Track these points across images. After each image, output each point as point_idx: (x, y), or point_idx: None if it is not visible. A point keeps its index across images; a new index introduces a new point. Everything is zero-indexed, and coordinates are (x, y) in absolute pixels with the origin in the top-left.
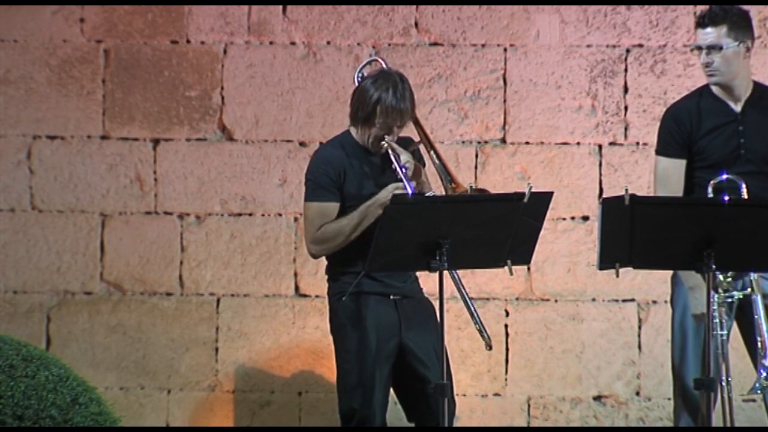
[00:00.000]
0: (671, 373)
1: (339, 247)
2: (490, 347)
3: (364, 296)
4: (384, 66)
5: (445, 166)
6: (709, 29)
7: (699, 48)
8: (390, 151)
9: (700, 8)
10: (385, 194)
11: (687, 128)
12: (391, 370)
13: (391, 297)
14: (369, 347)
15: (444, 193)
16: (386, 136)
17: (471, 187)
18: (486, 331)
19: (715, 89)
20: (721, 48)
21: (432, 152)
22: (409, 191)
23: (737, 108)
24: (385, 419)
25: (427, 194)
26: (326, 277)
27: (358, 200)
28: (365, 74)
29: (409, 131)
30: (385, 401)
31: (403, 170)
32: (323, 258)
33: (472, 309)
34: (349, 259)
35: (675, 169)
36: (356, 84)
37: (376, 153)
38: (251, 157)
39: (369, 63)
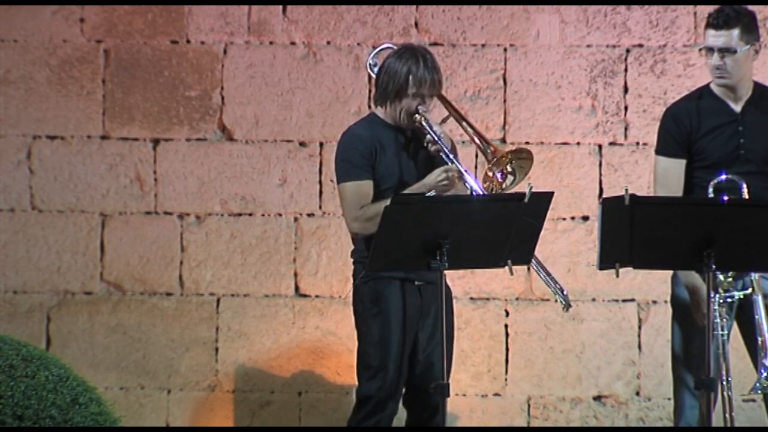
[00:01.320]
0: (671, 373)
1: None
2: (568, 307)
3: (390, 280)
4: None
5: (480, 133)
6: (722, 31)
7: (709, 49)
8: (424, 123)
9: (701, 8)
10: (434, 178)
11: (687, 128)
12: (409, 356)
13: (416, 282)
14: (393, 333)
15: (485, 159)
16: (420, 108)
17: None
18: (562, 294)
19: (715, 89)
20: (734, 51)
21: (464, 123)
22: (460, 167)
23: (737, 108)
24: (398, 405)
25: (426, 194)
26: (352, 259)
27: (393, 178)
28: (377, 61)
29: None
30: (401, 388)
31: (439, 140)
32: (323, 257)
33: (546, 272)
34: None
35: (675, 168)
36: (369, 71)
37: (407, 129)
38: (251, 157)
39: (381, 51)
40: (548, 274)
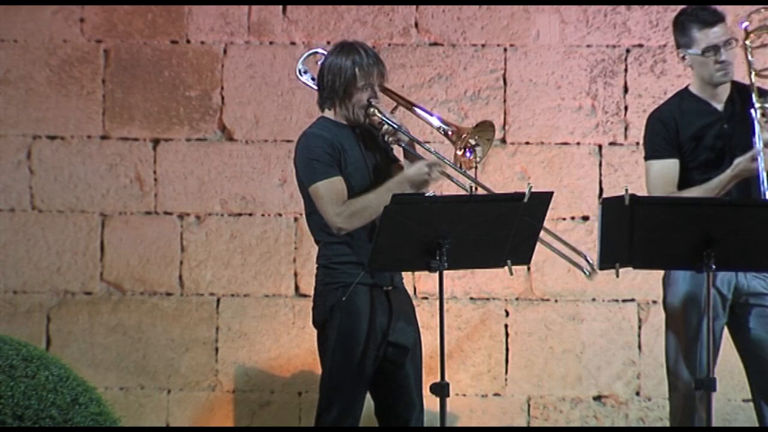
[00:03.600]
0: (666, 376)
1: (370, 220)
2: (590, 270)
3: (358, 287)
4: (326, 54)
5: (434, 115)
6: (722, 25)
7: (715, 47)
8: (379, 114)
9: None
10: (415, 170)
11: (673, 130)
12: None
13: (384, 288)
14: (363, 344)
15: (450, 141)
16: (372, 100)
17: (471, 187)
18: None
19: (696, 90)
20: (736, 41)
21: (416, 108)
22: (430, 148)
23: (719, 106)
24: (362, 407)
25: (427, 194)
26: (318, 264)
27: (361, 173)
28: (306, 68)
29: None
30: (364, 394)
31: (399, 127)
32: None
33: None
34: (349, 248)
35: (669, 169)
36: (299, 77)
37: (361, 125)
38: (251, 157)
39: (309, 56)
40: (564, 242)
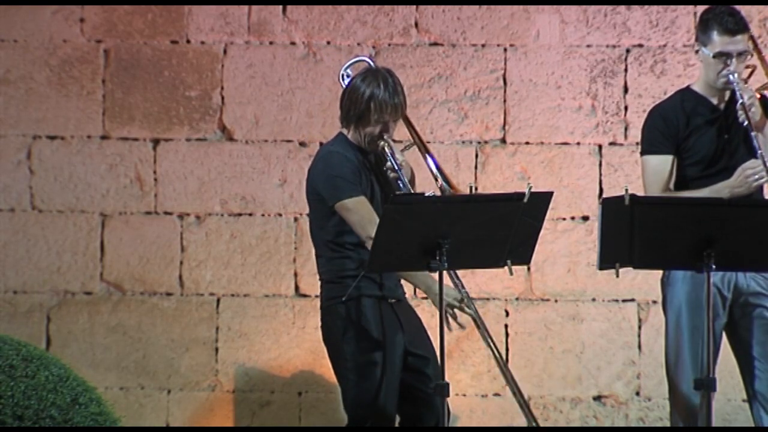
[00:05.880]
0: (666, 376)
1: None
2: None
3: (365, 300)
4: (371, 65)
5: (442, 170)
6: (740, 36)
7: (726, 55)
8: (387, 150)
9: (701, 8)
10: None
11: (675, 126)
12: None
13: (389, 300)
14: (380, 356)
15: (442, 192)
16: (385, 134)
17: (471, 186)
18: (533, 418)
19: (698, 89)
20: (750, 54)
21: (427, 155)
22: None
23: (720, 106)
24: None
25: (427, 194)
26: (322, 279)
27: (369, 199)
28: (350, 73)
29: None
30: (395, 408)
31: (399, 170)
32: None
33: (511, 379)
34: (353, 262)
35: (665, 165)
36: (341, 82)
37: (371, 152)
38: (251, 157)
39: (354, 63)
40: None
